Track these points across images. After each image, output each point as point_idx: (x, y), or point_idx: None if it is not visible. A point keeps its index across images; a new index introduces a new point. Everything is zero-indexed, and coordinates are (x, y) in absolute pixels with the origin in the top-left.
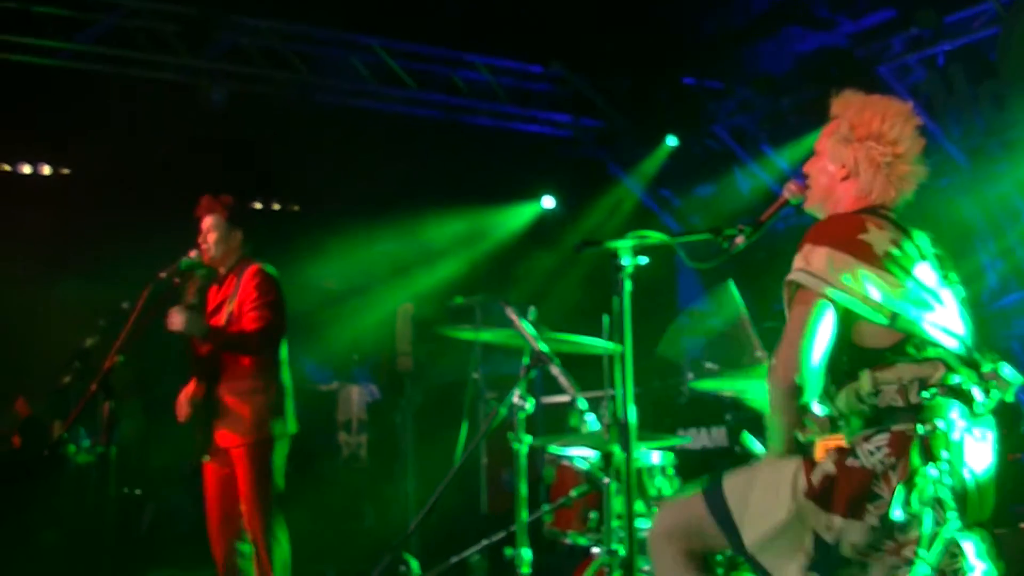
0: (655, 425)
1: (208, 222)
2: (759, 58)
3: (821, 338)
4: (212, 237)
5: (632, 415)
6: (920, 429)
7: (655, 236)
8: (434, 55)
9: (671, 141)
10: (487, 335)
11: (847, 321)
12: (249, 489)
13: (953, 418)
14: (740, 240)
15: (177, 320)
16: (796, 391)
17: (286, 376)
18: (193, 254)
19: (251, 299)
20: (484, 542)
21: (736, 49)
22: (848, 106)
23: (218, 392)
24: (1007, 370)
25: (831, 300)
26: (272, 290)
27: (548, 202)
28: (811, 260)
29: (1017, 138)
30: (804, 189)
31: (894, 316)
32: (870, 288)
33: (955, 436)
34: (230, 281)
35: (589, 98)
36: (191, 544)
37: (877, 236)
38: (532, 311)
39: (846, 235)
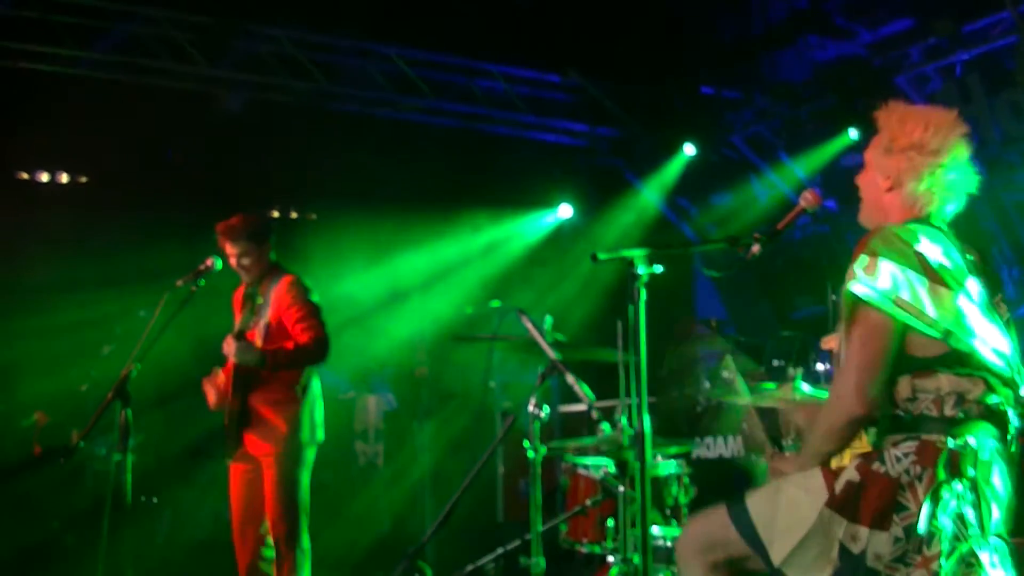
0: (672, 434)
1: (232, 248)
2: (777, 67)
3: (888, 365)
4: (247, 261)
5: (647, 424)
6: (951, 443)
7: (671, 245)
8: (451, 64)
9: (688, 150)
10: (502, 344)
11: (902, 333)
12: (276, 497)
13: (984, 437)
14: (756, 249)
15: (231, 349)
16: (860, 422)
17: (317, 384)
18: (210, 262)
19: (295, 311)
20: (499, 550)
21: (754, 58)
22: (891, 116)
23: (252, 401)
24: None
25: (894, 319)
26: (311, 299)
27: (565, 211)
28: (872, 273)
29: None
30: (820, 199)
31: (947, 333)
32: (927, 304)
33: (984, 455)
34: (264, 287)
35: (606, 107)
36: (208, 552)
37: (930, 248)
38: (548, 320)
39: (902, 246)
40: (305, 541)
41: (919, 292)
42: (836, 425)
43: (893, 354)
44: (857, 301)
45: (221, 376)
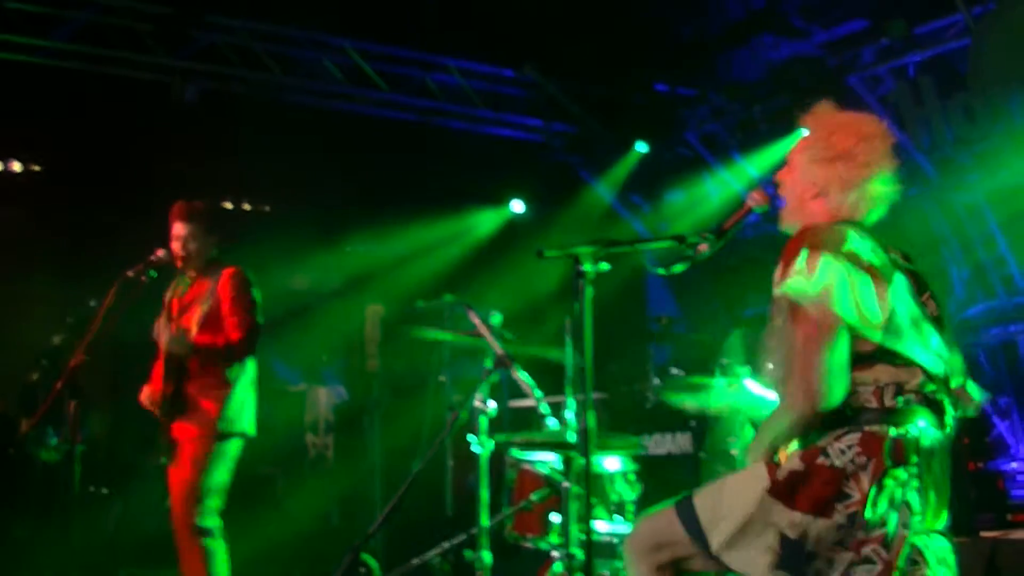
0: (620, 430)
1: (184, 229)
2: (732, 66)
3: (840, 357)
4: (192, 246)
5: (592, 420)
6: (893, 431)
7: (618, 242)
8: (407, 58)
9: (642, 147)
10: (452, 338)
11: (848, 328)
12: (189, 476)
13: (922, 425)
14: (704, 248)
15: (162, 338)
16: (813, 419)
17: (250, 375)
18: (161, 253)
19: (229, 302)
20: (445, 544)
21: (709, 56)
22: (821, 123)
23: (186, 389)
24: (973, 388)
25: (838, 315)
26: (249, 293)
27: (518, 206)
28: (812, 272)
29: (986, 149)
30: (768, 198)
31: (876, 325)
32: (866, 300)
33: (926, 443)
34: (202, 282)
35: (561, 103)
36: (158, 543)
37: (860, 246)
38: (495, 315)
39: (838, 244)
40: (214, 525)
41: (858, 289)
42: (791, 421)
43: (843, 349)
44: (798, 300)
45: (154, 383)
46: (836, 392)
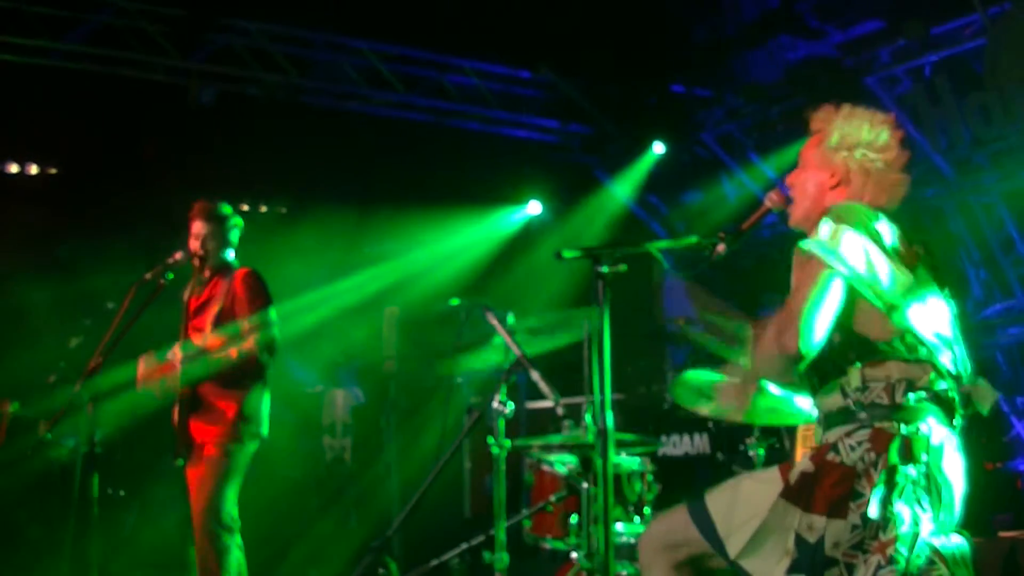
0: (637, 431)
1: (204, 227)
2: (748, 66)
3: (827, 309)
4: (211, 244)
5: (610, 421)
6: (903, 429)
7: (636, 244)
8: (423, 59)
9: (659, 148)
10: (471, 339)
11: (850, 301)
12: (209, 480)
13: (933, 423)
14: (721, 248)
15: (178, 359)
16: (794, 359)
17: (268, 376)
18: (179, 255)
19: (245, 305)
20: (463, 545)
21: (725, 57)
22: (834, 116)
23: (200, 389)
24: (985, 384)
25: (842, 274)
26: (264, 293)
27: (535, 207)
28: (835, 238)
29: (1002, 149)
30: (786, 199)
31: (892, 307)
32: (882, 274)
33: (935, 441)
34: (216, 282)
35: (577, 104)
36: (174, 545)
37: (885, 231)
38: (511, 317)
39: (864, 219)
40: (231, 525)
41: (877, 262)
42: (768, 363)
43: (835, 304)
44: (811, 254)
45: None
46: (813, 339)
